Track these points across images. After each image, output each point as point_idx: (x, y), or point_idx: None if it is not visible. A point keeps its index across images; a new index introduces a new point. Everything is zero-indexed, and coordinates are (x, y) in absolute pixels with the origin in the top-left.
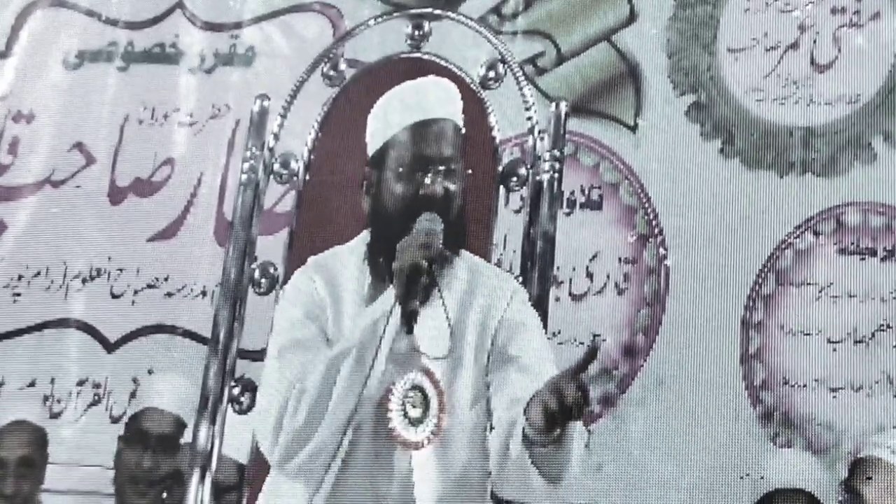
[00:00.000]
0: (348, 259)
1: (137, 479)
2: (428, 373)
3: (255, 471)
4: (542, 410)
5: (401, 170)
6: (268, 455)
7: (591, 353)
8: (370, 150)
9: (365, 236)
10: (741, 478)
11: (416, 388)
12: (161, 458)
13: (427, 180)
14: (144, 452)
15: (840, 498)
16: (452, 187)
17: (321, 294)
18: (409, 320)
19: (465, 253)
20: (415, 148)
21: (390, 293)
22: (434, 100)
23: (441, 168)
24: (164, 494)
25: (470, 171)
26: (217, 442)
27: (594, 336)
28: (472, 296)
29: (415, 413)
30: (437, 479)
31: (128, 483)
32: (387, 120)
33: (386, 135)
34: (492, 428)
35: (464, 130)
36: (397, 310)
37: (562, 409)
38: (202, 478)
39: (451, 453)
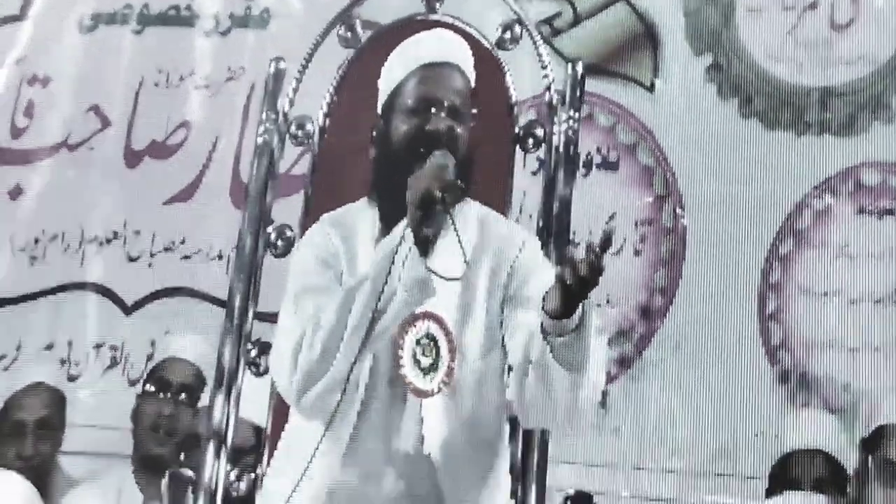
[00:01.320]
0: (360, 212)
1: (158, 426)
2: (439, 321)
3: (272, 433)
4: (558, 287)
5: (406, 109)
6: (285, 394)
7: (606, 239)
8: (380, 102)
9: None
10: (755, 436)
11: (428, 336)
12: (182, 408)
13: (431, 116)
14: (166, 400)
15: (858, 465)
16: (458, 128)
17: (335, 244)
18: (422, 246)
19: (473, 202)
20: (419, 88)
21: (402, 225)
22: (439, 46)
23: (445, 105)
24: (182, 457)
25: (475, 111)
26: (234, 404)
27: (609, 218)
28: (482, 243)
29: (426, 361)
30: (447, 428)
31: (148, 431)
32: (393, 69)
33: (393, 83)
34: (510, 369)
35: (473, 80)
36: (410, 237)
37: (578, 281)
38: (219, 441)
39: (461, 403)
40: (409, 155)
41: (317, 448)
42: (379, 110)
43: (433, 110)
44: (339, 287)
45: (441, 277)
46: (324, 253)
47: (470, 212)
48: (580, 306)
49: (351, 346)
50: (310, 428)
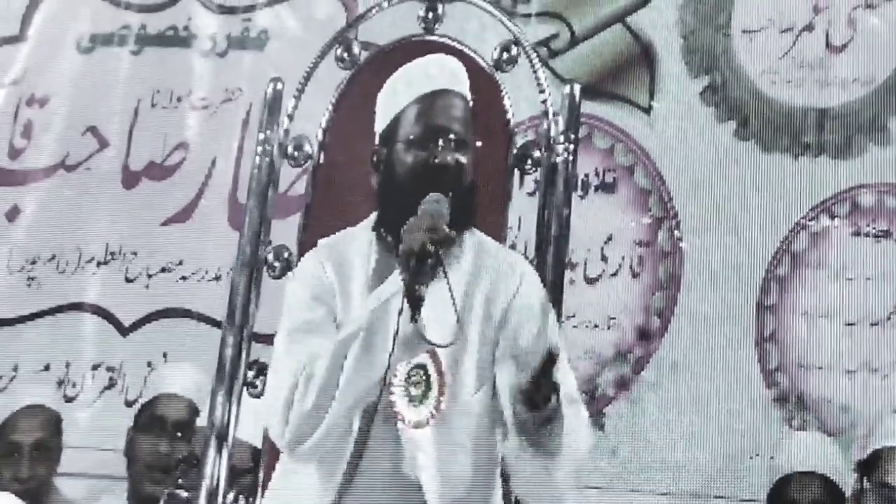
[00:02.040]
0: (358, 240)
1: (154, 466)
2: (432, 353)
3: (269, 454)
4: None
5: (411, 140)
6: (277, 440)
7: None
8: (379, 128)
9: (373, 218)
10: (752, 458)
11: (419, 366)
12: (177, 443)
13: (438, 150)
14: (161, 438)
15: (856, 487)
16: (463, 159)
17: (330, 277)
18: (414, 307)
19: (471, 232)
20: (425, 118)
21: (396, 276)
22: (441, 73)
23: (451, 138)
24: (180, 479)
25: (480, 143)
26: (233, 421)
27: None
28: (478, 276)
29: (416, 391)
30: (440, 460)
31: (144, 470)
32: (395, 96)
33: (395, 109)
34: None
35: (471, 104)
36: (402, 293)
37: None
38: (218, 458)
39: (453, 437)
40: (414, 188)
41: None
42: (377, 136)
43: (440, 143)
44: (333, 323)
45: (431, 344)
46: (317, 288)
47: (467, 243)
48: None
49: (345, 400)
50: (303, 471)
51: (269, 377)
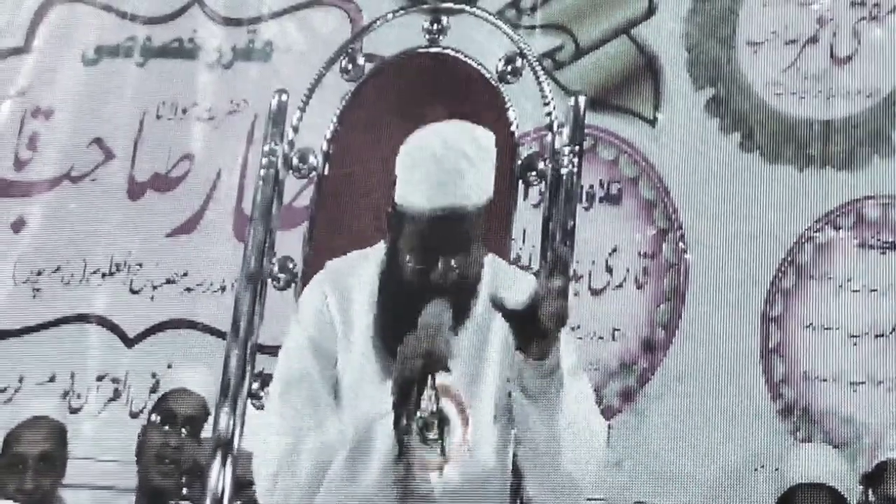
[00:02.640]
0: (363, 270)
1: (164, 457)
2: (447, 391)
3: None
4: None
5: (414, 249)
6: (262, 500)
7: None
8: (396, 194)
9: (382, 248)
10: (755, 470)
11: (437, 410)
12: (187, 439)
13: (439, 268)
14: (172, 431)
15: (861, 499)
16: (467, 271)
17: (332, 312)
18: (400, 441)
19: (490, 257)
20: (428, 237)
21: (388, 394)
22: (461, 183)
23: (456, 255)
24: (185, 490)
25: (489, 256)
26: (237, 432)
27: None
28: (492, 317)
29: (432, 434)
30: (459, 493)
31: (154, 462)
32: (411, 184)
33: (405, 201)
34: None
35: (490, 196)
36: (391, 418)
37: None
38: (223, 470)
39: (475, 469)
40: (415, 293)
41: None
42: (394, 199)
43: (440, 263)
44: (331, 370)
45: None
46: (318, 329)
47: (484, 271)
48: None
49: (330, 497)
50: None
51: (260, 432)
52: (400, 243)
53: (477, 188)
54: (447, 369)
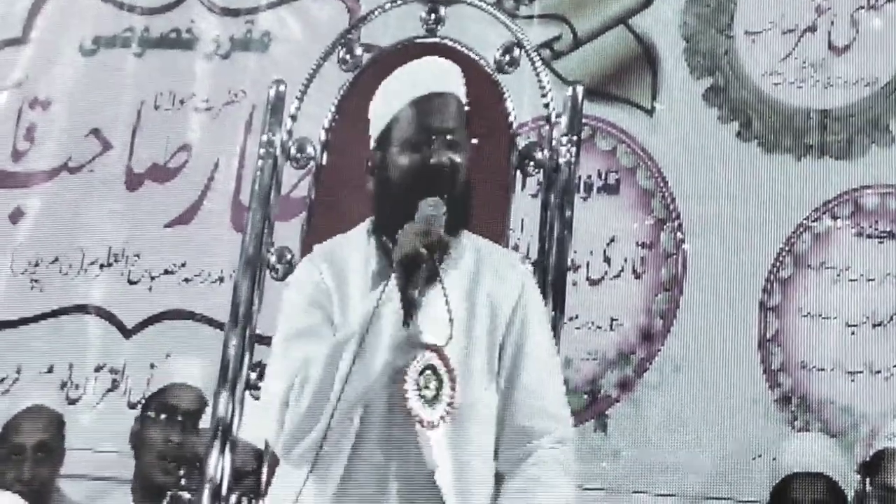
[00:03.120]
0: (354, 244)
1: (166, 455)
2: (438, 351)
3: (273, 455)
4: None
5: (406, 142)
6: (273, 444)
7: None
8: (374, 132)
9: (370, 221)
10: (753, 459)
11: (429, 367)
12: (188, 435)
13: (432, 151)
14: (173, 428)
15: (858, 488)
16: (458, 159)
17: (326, 282)
18: (407, 311)
19: (468, 234)
20: (418, 121)
21: (392, 281)
22: (434, 76)
23: (446, 139)
24: (183, 480)
25: (475, 141)
26: (236, 422)
27: None
28: (480, 277)
29: (429, 393)
30: (455, 458)
31: (155, 460)
32: (388, 100)
33: (389, 114)
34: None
35: (466, 105)
36: (398, 297)
37: None
38: (221, 459)
39: (467, 433)
40: (410, 190)
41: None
42: (373, 141)
43: (433, 143)
44: (331, 328)
45: (425, 346)
46: (314, 294)
47: (466, 245)
48: None
49: (339, 403)
50: (298, 473)
51: (265, 381)
52: (390, 152)
53: (455, 84)
54: (446, 248)
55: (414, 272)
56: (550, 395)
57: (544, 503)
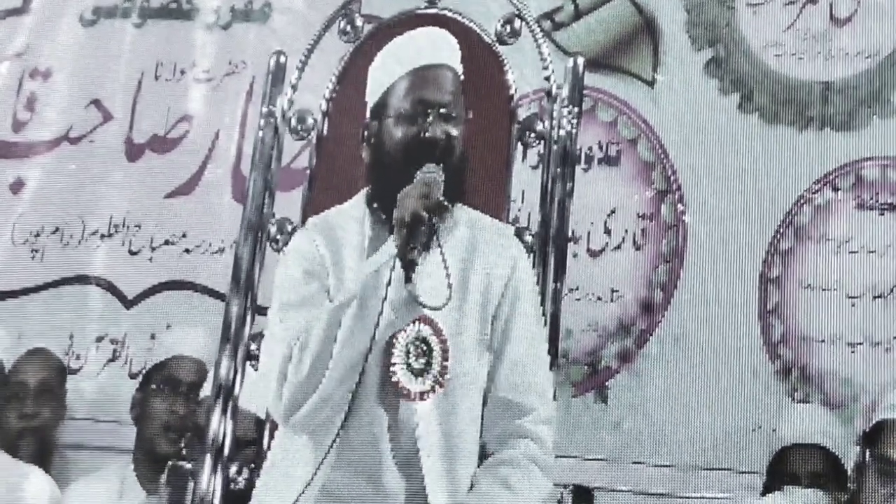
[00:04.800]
0: (348, 215)
1: (170, 426)
2: (432, 323)
3: (273, 425)
4: None
5: (401, 114)
6: (273, 411)
7: None
8: (370, 102)
9: (364, 192)
10: (753, 430)
11: (420, 338)
12: (191, 404)
13: (428, 124)
14: (176, 399)
15: (858, 460)
16: (454, 131)
17: (321, 251)
18: (407, 270)
19: (461, 206)
20: (414, 92)
21: (390, 243)
22: (430, 47)
23: (441, 111)
24: (184, 451)
25: (471, 114)
26: (237, 390)
27: None
28: (474, 249)
29: (418, 364)
30: (442, 430)
31: (160, 431)
32: (385, 70)
33: (385, 84)
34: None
35: (462, 77)
36: (397, 260)
37: None
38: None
39: (455, 405)
40: (405, 162)
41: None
42: (368, 111)
43: (429, 116)
44: (326, 297)
45: (424, 306)
46: (309, 263)
47: (460, 216)
48: None
49: (339, 367)
50: (296, 439)
51: (263, 349)
52: (385, 123)
53: (450, 56)
54: (444, 209)
55: (412, 232)
56: (536, 372)
57: None
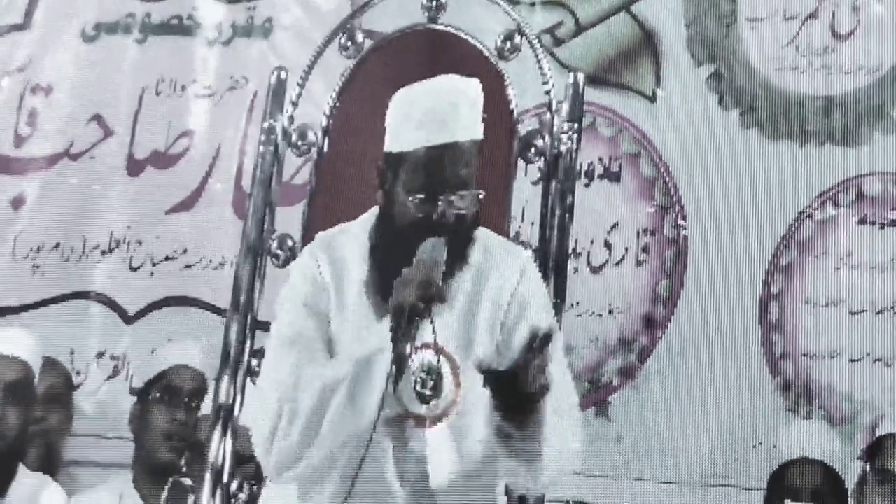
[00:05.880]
0: (355, 238)
1: (172, 434)
2: (439, 350)
3: None
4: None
5: (413, 190)
6: (262, 462)
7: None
8: (386, 146)
9: (373, 213)
10: (753, 447)
11: (425, 368)
12: (192, 414)
13: (440, 206)
14: (177, 407)
15: (861, 473)
16: (465, 210)
17: (325, 276)
18: (398, 370)
19: (480, 231)
20: (429, 172)
21: (385, 328)
22: (453, 118)
23: (456, 191)
24: (184, 468)
25: (482, 195)
26: (237, 407)
27: None
28: (485, 275)
29: (426, 391)
30: (451, 456)
31: (161, 440)
32: (405, 128)
33: (402, 145)
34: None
35: (482, 135)
36: (390, 349)
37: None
38: (222, 445)
39: (466, 430)
40: (410, 238)
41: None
42: (385, 150)
43: (442, 198)
44: (324, 330)
45: (410, 413)
46: (311, 293)
47: (475, 240)
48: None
49: (327, 441)
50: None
51: (257, 389)
52: (397, 188)
53: (472, 124)
54: (443, 299)
55: (408, 325)
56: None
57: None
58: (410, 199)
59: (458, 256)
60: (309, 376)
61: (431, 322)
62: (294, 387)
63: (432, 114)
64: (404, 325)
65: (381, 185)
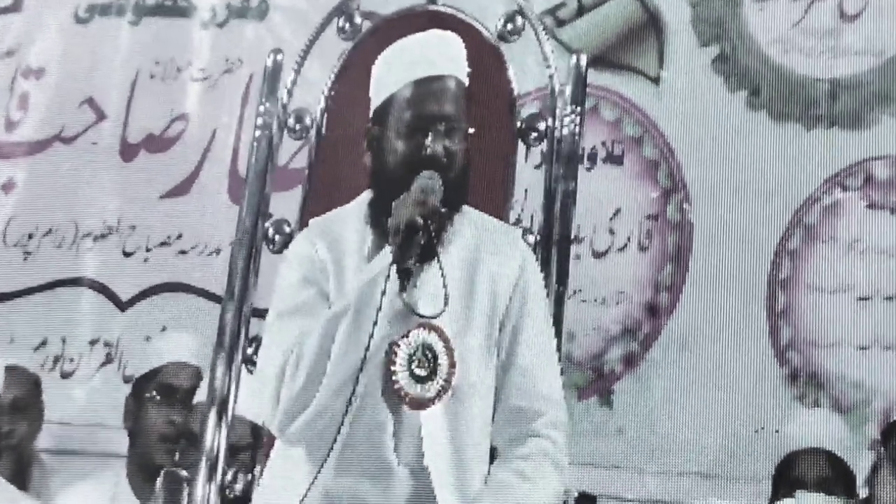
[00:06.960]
0: (350, 219)
1: (168, 436)
2: (436, 330)
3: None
4: None
5: (402, 128)
6: (268, 423)
7: None
8: (373, 105)
9: (367, 195)
10: (755, 432)
11: (424, 346)
12: (188, 413)
13: (428, 140)
14: (173, 408)
15: (875, 459)
16: (454, 147)
17: (322, 256)
18: (403, 279)
19: (467, 209)
20: (416, 106)
21: (387, 252)
22: (437, 55)
23: (442, 127)
24: (178, 457)
25: (472, 130)
26: (232, 396)
27: None
28: (480, 253)
29: (421, 371)
30: (447, 438)
31: (156, 441)
32: (389, 75)
33: (388, 91)
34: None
35: (467, 83)
36: (393, 268)
37: None
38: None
39: (463, 410)
40: (405, 175)
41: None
42: (371, 114)
43: (430, 133)
44: (325, 304)
45: (418, 315)
46: (308, 269)
47: (463, 221)
48: None
49: (335, 378)
50: (298, 454)
51: (259, 359)
52: (388, 134)
53: (456, 65)
54: (442, 219)
55: (409, 241)
56: (545, 377)
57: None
58: (400, 140)
59: (453, 199)
60: (313, 326)
61: (432, 240)
62: (299, 339)
63: (417, 53)
64: (404, 240)
65: (369, 146)
